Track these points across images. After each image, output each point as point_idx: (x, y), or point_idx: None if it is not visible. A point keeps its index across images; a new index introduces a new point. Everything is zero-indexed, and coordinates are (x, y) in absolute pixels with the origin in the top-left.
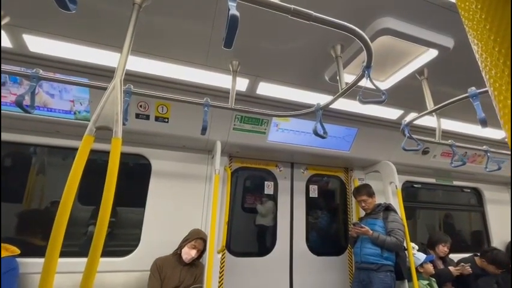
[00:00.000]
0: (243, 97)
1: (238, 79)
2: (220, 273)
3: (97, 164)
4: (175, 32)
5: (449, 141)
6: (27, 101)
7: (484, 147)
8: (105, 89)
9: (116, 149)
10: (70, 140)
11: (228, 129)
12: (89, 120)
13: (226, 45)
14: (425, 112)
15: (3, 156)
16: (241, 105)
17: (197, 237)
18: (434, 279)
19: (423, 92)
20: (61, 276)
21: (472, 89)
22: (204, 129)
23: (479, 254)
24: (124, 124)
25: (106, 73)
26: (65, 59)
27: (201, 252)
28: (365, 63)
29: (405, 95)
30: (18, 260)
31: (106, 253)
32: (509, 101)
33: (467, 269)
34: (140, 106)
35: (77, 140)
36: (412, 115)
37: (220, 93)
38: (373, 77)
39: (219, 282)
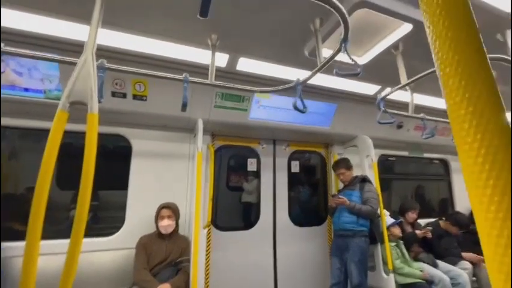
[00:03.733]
0: (223, 73)
1: (218, 54)
2: (207, 247)
3: (75, 148)
4: (150, 3)
5: (421, 115)
6: None
7: None
8: (76, 64)
9: (92, 125)
10: (42, 121)
11: (209, 107)
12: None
13: (202, 14)
14: (399, 86)
15: None
16: (221, 81)
17: (160, 209)
18: (401, 241)
19: (398, 67)
20: (47, 258)
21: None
22: (184, 106)
23: (443, 218)
24: (99, 102)
25: (77, 48)
26: (32, 32)
27: (175, 218)
28: (342, 36)
29: (382, 70)
30: None
31: (91, 234)
32: (451, 81)
33: (428, 233)
34: (116, 84)
35: (50, 121)
36: (388, 90)
37: (200, 69)
38: (350, 52)
39: (206, 255)
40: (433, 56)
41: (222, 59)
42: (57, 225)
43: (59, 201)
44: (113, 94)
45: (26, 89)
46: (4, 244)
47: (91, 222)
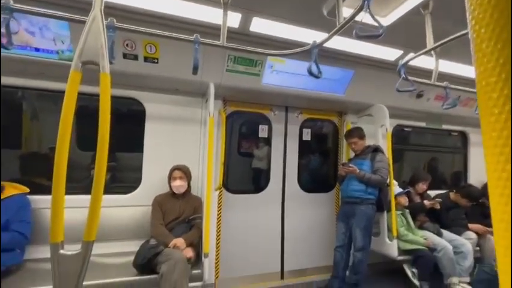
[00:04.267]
0: (236, 35)
1: (230, 13)
2: (218, 207)
3: (92, 110)
4: None
5: (444, 83)
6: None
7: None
8: (85, 22)
9: (105, 86)
10: (57, 82)
11: (221, 70)
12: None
13: None
14: (424, 50)
15: None
16: (233, 44)
17: (172, 171)
18: (407, 210)
19: (424, 30)
20: (73, 211)
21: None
22: (195, 69)
23: (454, 190)
24: (111, 63)
25: (86, 6)
26: None
27: (186, 179)
28: None
29: (406, 32)
30: (30, 197)
31: (111, 191)
32: (485, 44)
33: (437, 204)
34: (127, 45)
35: (66, 82)
36: (411, 55)
37: (212, 31)
38: (374, 11)
39: (218, 215)
40: (467, 14)
41: (234, 19)
42: (81, 183)
43: (81, 162)
44: (125, 56)
45: (39, 49)
46: (34, 197)
47: (110, 181)
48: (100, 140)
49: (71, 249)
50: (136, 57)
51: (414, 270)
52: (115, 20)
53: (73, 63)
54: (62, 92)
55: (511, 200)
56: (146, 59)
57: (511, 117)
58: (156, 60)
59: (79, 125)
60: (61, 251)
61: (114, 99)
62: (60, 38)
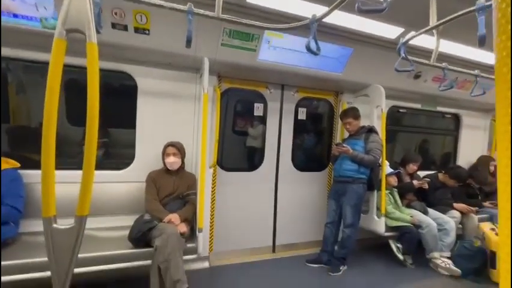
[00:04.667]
0: (232, 6)
1: None
2: (212, 184)
3: (81, 84)
4: None
5: (443, 64)
6: None
7: (476, 72)
8: None
9: (92, 56)
10: (43, 53)
11: (215, 45)
12: None
13: None
14: (426, 28)
15: None
16: (229, 15)
17: (166, 147)
18: (395, 189)
19: (427, 7)
20: (67, 186)
21: (481, 1)
22: (188, 42)
23: (443, 171)
24: (98, 32)
25: None
26: None
27: (180, 156)
28: None
29: (409, 9)
30: (21, 172)
31: (104, 167)
32: (510, 27)
33: (425, 184)
34: (116, 14)
35: (50, 53)
36: (412, 34)
37: (206, 1)
38: None
39: (212, 192)
40: None
41: None
42: (74, 158)
43: (72, 137)
44: (114, 26)
45: (20, 16)
46: (26, 172)
47: (103, 157)
48: (90, 112)
49: (64, 224)
50: (125, 28)
51: (399, 245)
52: None
53: (56, 31)
54: (48, 63)
55: None
56: (136, 29)
57: None
58: (147, 31)
59: (69, 99)
60: (54, 225)
61: (104, 72)
62: (43, 3)
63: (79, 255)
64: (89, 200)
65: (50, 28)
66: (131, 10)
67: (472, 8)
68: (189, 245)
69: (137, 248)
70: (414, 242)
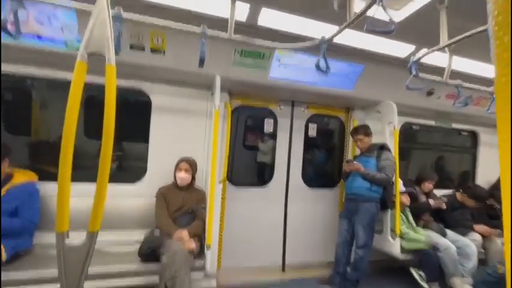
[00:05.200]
0: (244, 27)
1: (238, 4)
2: (222, 199)
3: (99, 100)
4: None
5: (457, 81)
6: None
7: (491, 89)
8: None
9: (111, 77)
10: (66, 71)
11: (227, 64)
12: None
13: None
14: (438, 47)
15: (3, 89)
16: (241, 36)
17: (179, 162)
18: (407, 208)
19: (439, 25)
20: (81, 199)
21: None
22: (201, 61)
23: (461, 190)
24: (117, 54)
25: None
26: None
27: (191, 172)
28: None
29: (420, 28)
30: (38, 184)
31: (117, 180)
32: (506, 39)
33: (443, 204)
34: (134, 36)
35: (72, 72)
36: (423, 52)
37: (219, 23)
38: (388, 4)
39: (221, 207)
40: (488, 7)
41: (242, 11)
42: (88, 170)
43: (89, 150)
44: (132, 47)
45: (48, 39)
46: (43, 184)
47: (116, 170)
48: (105, 131)
49: (76, 239)
50: (143, 48)
51: (421, 273)
52: (122, 11)
53: (79, 54)
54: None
55: None
56: (153, 50)
57: None
58: (163, 52)
59: (87, 114)
60: (66, 241)
61: (121, 89)
62: (68, 27)
63: (89, 270)
64: (101, 216)
65: (74, 49)
66: (148, 32)
67: (483, 28)
68: (197, 262)
69: (147, 263)
70: (435, 266)
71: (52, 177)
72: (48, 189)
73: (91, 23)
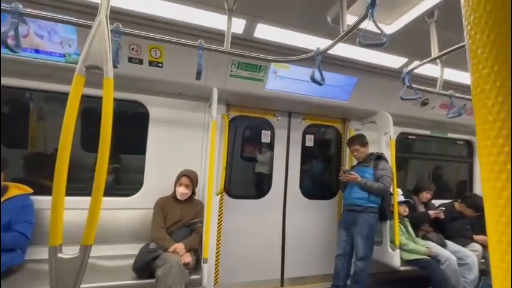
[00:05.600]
0: (240, 40)
1: (235, 20)
2: (219, 212)
3: (97, 113)
4: None
5: (449, 92)
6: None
7: None
8: (91, 27)
9: (108, 90)
10: (64, 85)
11: (224, 76)
12: None
13: None
14: (429, 59)
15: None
16: (237, 49)
17: (181, 176)
18: (406, 218)
19: (429, 38)
20: (75, 212)
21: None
22: (198, 74)
23: (459, 200)
24: (115, 67)
25: (93, 11)
26: None
27: (192, 188)
28: (369, 1)
29: (411, 41)
30: (33, 197)
31: (113, 193)
32: (481, 50)
33: (441, 214)
34: (132, 49)
35: (70, 85)
36: (415, 64)
37: (216, 36)
38: (378, 19)
39: (218, 220)
40: (463, 20)
41: (238, 25)
42: (84, 183)
43: (86, 163)
44: (130, 60)
45: (48, 53)
46: (38, 197)
47: (113, 182)
48: (102, 144)
49: (69, 253)
50: (141, 62)
51: None
52: (120, 25)
53: (77, 68)
54: (67, 94)
55: (506, 209)
56: (151, 63)
57: (506, 125)
58: (161, 65)
59: (84, 126)
60: (59, 255)
61: (119, 101)
62: (67, 41)
63: (81, 286)
64: (95, 229)
65: (72, 62)
66: (146, 45)
67: None
68: (194, 277)
69: (142, 279)
70: (441, 278)
71: (47, 190)
72: (44, 203)
73: (89, 38)
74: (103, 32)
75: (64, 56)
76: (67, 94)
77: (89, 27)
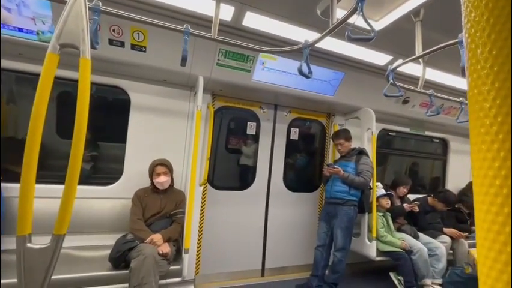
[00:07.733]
0: (228, 28)
1: (223, 6)
2: (202, 203)
3: (73, 97)
4: None
5: (430, 91)
6: None
7: (461, 99)
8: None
9: (84, 71)
10: (37, 65)
11: (211, 64)
12: None
13: None
14: (413, 57)
15: None
16: (225, 37)
17: (154, 166)
18: (388, 213)
19: (414, 37)
20: (50, 201)
21: (463, 35)
22: (183, 60)
23: (432, 195)
24: (94, 48)
25: None
26: None
27: (170, 174)
28: None
29: (397, 39)
30: (1, 185)
31: (91, 182)
32: (480, 50)
33: (416, 207)
34: (113, 31)
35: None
36: (399, 61)
37: (203, 22)
38: (368, 15)
39: (201, 211)
40: (463, 17)
41: (227, 11)
42: (60, 171)
43: (62, 150)
44: (111, 42)
45: (18, 28)
46: (7, 185)
47: (90, 171)
48: (77, 128)
49: (40, 243)
50: (122, 44)
51: (400, 277)
52: (100, 3)
53: (50, 45)
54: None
55: (498, 217)
56: (133, 46)
57: (503, 130)
58: (144, 49)
59: (62, 111)
60: (28, 245)
61: (98, 86)
62: (40, 17)
63: (52, 277)
64: (68, 218)
65: (46, 41)
66: (129, 28)
67: (454, 41)
68: (174, 267)
69: (117, 269)
70: (411, 271)
71: (17, 177)
72: (13, 190)
73: (64, 13)
74: (79, 8)
75: (37, 33)
76: (38, 75)
77: (65, 2)
